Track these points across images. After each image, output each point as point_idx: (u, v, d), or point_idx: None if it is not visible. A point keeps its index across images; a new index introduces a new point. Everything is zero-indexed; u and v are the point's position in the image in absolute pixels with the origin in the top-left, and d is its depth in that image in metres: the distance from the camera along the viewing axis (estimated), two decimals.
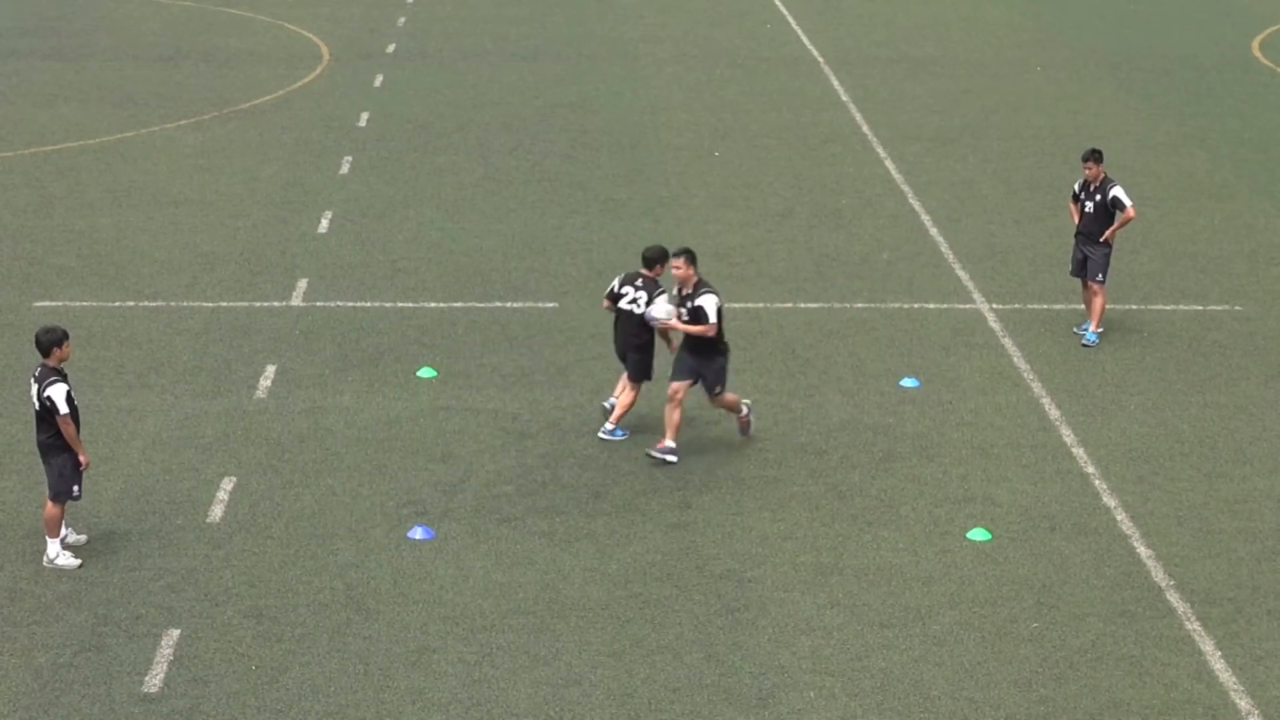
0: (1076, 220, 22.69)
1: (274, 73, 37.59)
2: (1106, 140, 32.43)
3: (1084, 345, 22.32)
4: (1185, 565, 16.93)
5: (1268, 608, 16.17)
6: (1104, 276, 22.34)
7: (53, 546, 16.59)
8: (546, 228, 27.02)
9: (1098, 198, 22.33)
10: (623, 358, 19.90)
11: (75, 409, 16.51)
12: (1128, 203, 22.24)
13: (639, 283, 19.59)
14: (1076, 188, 22.75)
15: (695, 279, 18.82)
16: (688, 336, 18.88)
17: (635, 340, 19.69)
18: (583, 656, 15.26)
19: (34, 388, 16.33)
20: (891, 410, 20.46)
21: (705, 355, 18.93)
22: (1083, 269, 22.48)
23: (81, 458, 16.49)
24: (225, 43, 40.74)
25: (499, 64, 38.86)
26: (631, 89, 36.62)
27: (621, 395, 19.69)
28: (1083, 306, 23.11)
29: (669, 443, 18.82)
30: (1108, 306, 23.30)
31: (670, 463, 18.78)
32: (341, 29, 42.51)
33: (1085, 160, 22.39)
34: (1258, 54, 40.92)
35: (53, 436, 16.41)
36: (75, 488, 16.54)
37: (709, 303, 18.64)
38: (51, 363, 16.42)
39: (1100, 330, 22.52)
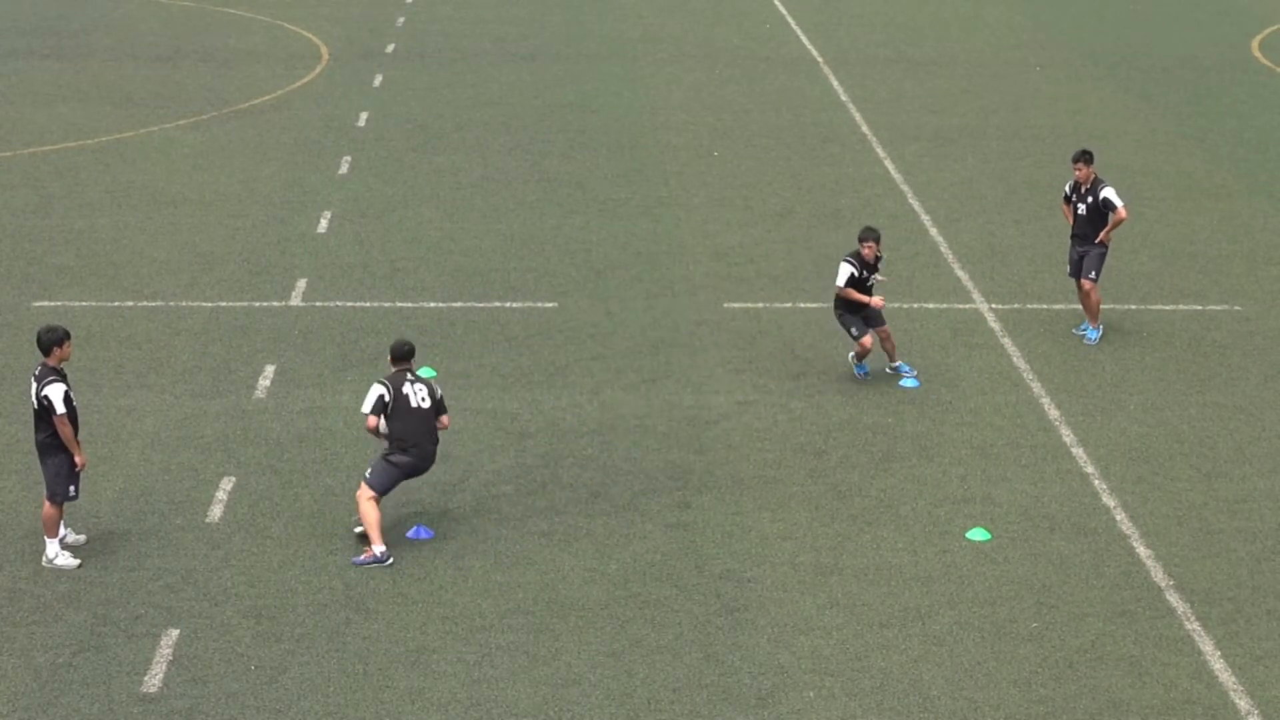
0: (1070, 221, 22.69)
1: (273, 73, 37.58)
2: (1106, 140, 32.43)
3: (1086, 343, 22.33)
4: (1185, 565, 16.93)
5: (1267, 608, 16.17)
6: (1096, 274, 22.31)
7: (51, 546, 16.58)
8: (545, 228, 27.01)
9: (1089, 199, 22.31)
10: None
11: (74, 410, 16.50)
12: (1119, 203, 22.24)
13: (848, 256, 21.03)
14: (1067, 189, 22.71)
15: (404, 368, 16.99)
16: None
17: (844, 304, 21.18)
18: (582, 656, 15.26)
19: (33, 386, 16.33)
20: (891, 410, 20.46)
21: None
22: (1080, 269, 22.48)
23: (78, 458, 16.48)
24: (224, 42, 40.74)
25: (498, 64, 38.85)
26: (630, 89, 36.62)
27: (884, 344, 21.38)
28: (1081, 307, 23.10)
29: (376, 549, 16.70)
30: (1106, 306, 23.30)
31: (385, 564, 16.70)
32: (340, 29, 42.51)
33: (1075, 161, 22.38)
34: (1257, 54, 40.93)
35: (50, 436, 16.41)
36: (71, 488, 16.53)
37: (369, 393, 16.76)
38: (51, 362, 16.43)
39: (1100, 328, 22.51)
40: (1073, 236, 22.63)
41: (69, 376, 16.82)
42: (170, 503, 17.94)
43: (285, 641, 15.41)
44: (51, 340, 16.44)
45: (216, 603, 16.02)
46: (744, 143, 32.31)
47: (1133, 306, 23.92)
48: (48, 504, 16.48)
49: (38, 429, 16.49)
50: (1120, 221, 22.34)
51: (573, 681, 14.87)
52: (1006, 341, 22.55)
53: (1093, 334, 22.45)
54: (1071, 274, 22.71)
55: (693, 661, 15.18)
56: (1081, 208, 22.39)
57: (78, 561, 16.60)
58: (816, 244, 26.44)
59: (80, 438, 16.64)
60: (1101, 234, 22.29)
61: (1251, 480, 18.79)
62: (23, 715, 14.31)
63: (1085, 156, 22.32)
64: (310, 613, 15.88)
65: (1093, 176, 22.32)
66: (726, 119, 34.06)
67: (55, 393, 16.22)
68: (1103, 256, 22.41)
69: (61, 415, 16.24)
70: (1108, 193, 22.25)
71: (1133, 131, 33.40)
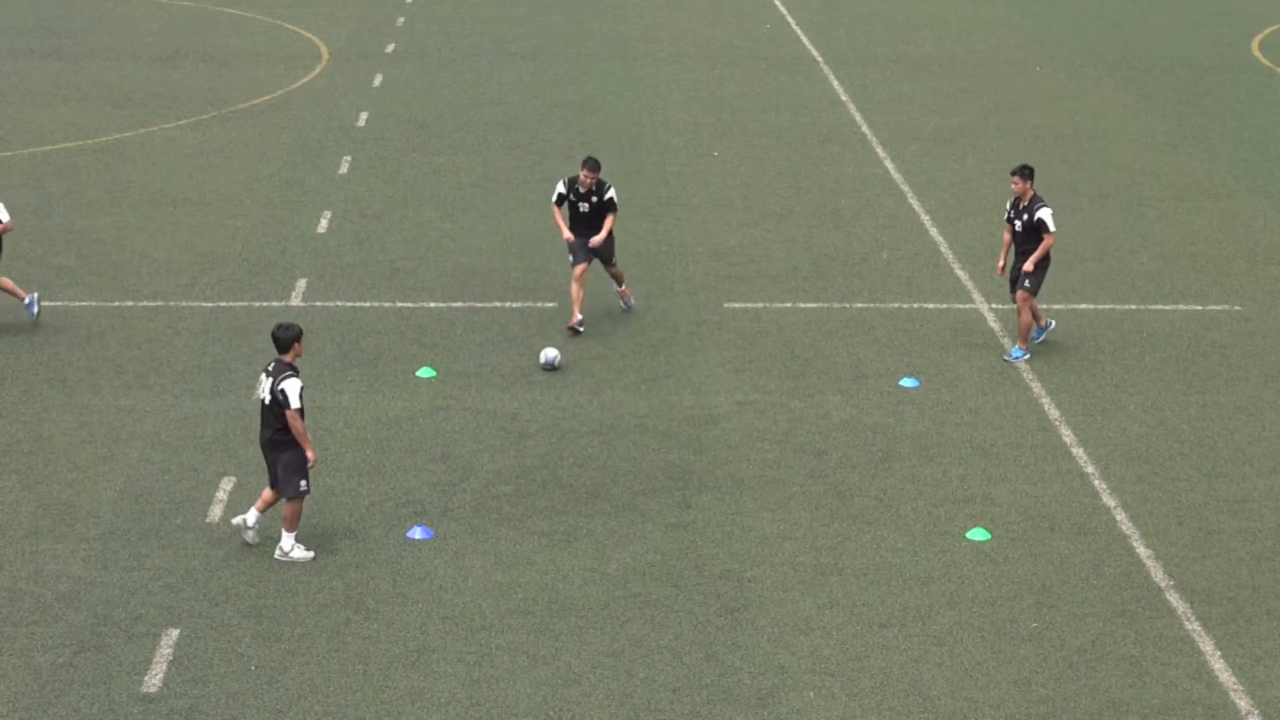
0: (1007, 241, 21.85)
1: (273, 73, 37.58)
2: (1106, 140, 32.46)
3: (1008, 360, 21.63)
4: (1185, 565, 16.93)
5: (1268, 608, 16.17)
6: (1030, 285, 21.48)
7: (287, 540, 16.77)
8: (546, 228, 26.99)
9: (1025, 217, 21.53)
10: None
11: (303, 407, 16.66)
12: (1052, 227, 21.41)
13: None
14: (1008, 206, 21.89)
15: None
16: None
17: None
18: (582, 656, 15.26)
19: (267, 381, 16.49)
20: (891, 410, 20.46)
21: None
22: (1015, 282, 21.73)
23: (309, 454, 16.59)
24: (224, 42, 40.75)
25: (498, 64, 38.86)
26: (630, 89, 36.62)
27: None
28: (1081, 307, 23.08)
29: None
30: (1107, 306, 23.31)
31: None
32: (340, 29, 42.51)
33: (1013, 174, 21.57)
34: (1257, 54, 40.93)
35: (280, 432, 16.54)
36: (303, 482, 16.64)
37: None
38: (288, 358, 16.63)
39: (1027, 350, 21.78)
40: (1016, 252, 21.85)
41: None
42: (170, 503, 17.95)
43: (285, 641, 15.41)
44: (290, 337, 16.63)
45: (216, 603, 16.02)
46: (744, 143, 32.32)
47: (1133, 306, 23.93)
48: (287, 501, 16.62)
49: (267, 425, 16.58)
50: (1048, 246, 21.48)
51: (573, 681, 14.88)
52: (1006, 341, 22.54)
53: (1017, 352, 21.75)
54: (1011, 289, 22.08)
55: (693, 661, 15.19)
56: (1018, 224, 21.65)
57: (312, 554, 16.75)
58: (816, 244, 26.44)
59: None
60: (1029, 262, 21.41)
61: (1251, 480, 18.79)
62: (23, 715, 14.32)
63: (1023, 171, 21.52)
64: (310, 613, 15.89)
65: (1031, 193, 21.53)
66: (726, 119, 34.06)
67: (292, 387, 16.39)
68: (1043, 271, 21.63)
69: (296, 410, 16.39)
70: (1044, 214, 21.43)
71: (1133, 131, 33.40)
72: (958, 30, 43.34)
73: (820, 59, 39.80)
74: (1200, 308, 23.96)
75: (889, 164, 30.98)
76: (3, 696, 14.56)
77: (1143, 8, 46.70)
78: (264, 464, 16.87)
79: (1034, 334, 22.06)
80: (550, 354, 21.41)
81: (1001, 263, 22.20)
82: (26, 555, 16.84)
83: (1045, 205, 21.63)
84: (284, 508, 16.75)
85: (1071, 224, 27.42)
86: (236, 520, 17.03)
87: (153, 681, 14.79)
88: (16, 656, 15.14)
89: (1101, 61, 39.78)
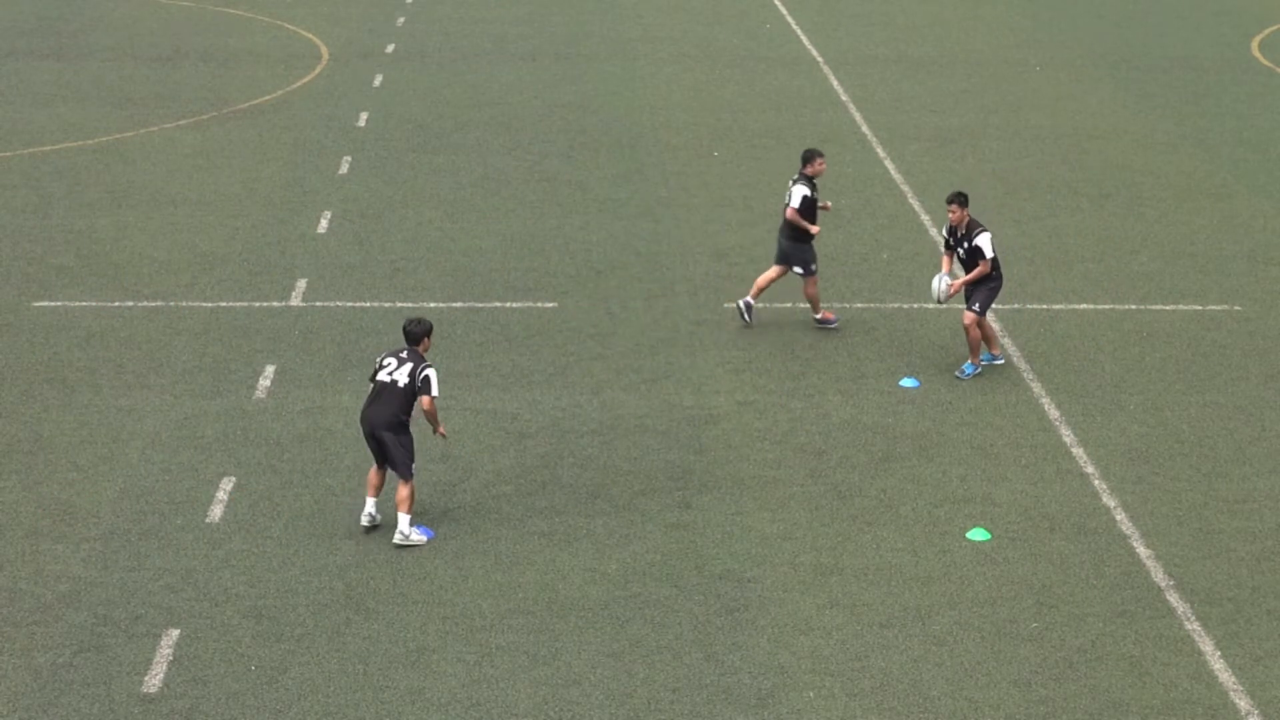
0: (947, 268, 21.44)
1: (273, 73, 37.59)
2: (1106, 140, 32.44)
3: (957, 377, 21.26)
4: (1185, 565, 16.94)
5: (1268, 608, 16.18)
6: (980, 308, 21.09)
7: (404, 521, 17.09)
8: (545, 228, 27.01)
9: (965, 244, 21.16)
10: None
11: None
12: (988, 255, 21.00)
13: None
14: (945, 232, 21.52)
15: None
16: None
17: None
18: (582, 656, 15.26)
19: (400, 367, 17.00)
20: (891, 410, 20.46)
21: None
22: (967, 300, 21.33)
23: (442, 430, 17.36)
24: (224, 42, 40.75)
25: (498, 64, 38.86)
26: (630, 89, 36.62)
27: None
28: (1081, 307, 23.04)
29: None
30: (1106, 306, 23.28)
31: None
32: (341, 29, 42.51)
33: (949, 203, 21.18)
34: (1257, 54, 40.93)
35: (404, 412, 17.02)
36: (413, 464, 17.22)
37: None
38: (420, 350, 17.20)
39: (978, 366, 21.40)
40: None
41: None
42: (170, 503, 17.95)
43: (285, 641, 15.42)
44: (421, 331, 17.29)
45: (216, 603, 16.03)
46: (744, 143, 32.31)
47: (1133, 306, 23.93)
48: (402, 481, 17.05)
49: (388, 405, 17.00)
50: (981, 273, 21.05)
51: (573, 681, 14.88)
52: (1006, 341, 22.54)
53: (968, 368, 21.37)
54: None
55: (693, 661, 15.19)
56: (960, 251, 21.30)
57: (424, 538, 17.16)
58: (816, 244, 26.38)
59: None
60: (958, 281, 21.12)
61: (1251, 480, 18.79)
62: (23, 715, 14.32)
63: (958, 199, 21.18)
64: (310, 613, 15.89)
65: (967, 219, 21.18)
66: (726, 119, 34.06)
67: (435, 377, 17.08)
68: (992, 291, 21.24)
69: (435, 397, 17.02)
70: (981, 240, 21.03)
71: (1132, 131, 33.40)
72: (958, 30, 43.34)
73: (820, 59, 39.80)
74: (1200, 308, 23.96)
75: (889, 164, 30.98)
76: (3, 696, 14.56)
77: (1143, 8, 46.70)
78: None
79: (984, 356, 21.61)
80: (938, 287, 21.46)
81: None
82: (26, 555, 16.85)
83: (983, 231, 21.10)
84: (399, 492, 17.11)
85: (1071, 224, 27.45)
86: (365, 520, 17.27)
87: (153, 681, 14.79)
88: (16, 656, 15.14)
89: (1101, 61, 39.78)
